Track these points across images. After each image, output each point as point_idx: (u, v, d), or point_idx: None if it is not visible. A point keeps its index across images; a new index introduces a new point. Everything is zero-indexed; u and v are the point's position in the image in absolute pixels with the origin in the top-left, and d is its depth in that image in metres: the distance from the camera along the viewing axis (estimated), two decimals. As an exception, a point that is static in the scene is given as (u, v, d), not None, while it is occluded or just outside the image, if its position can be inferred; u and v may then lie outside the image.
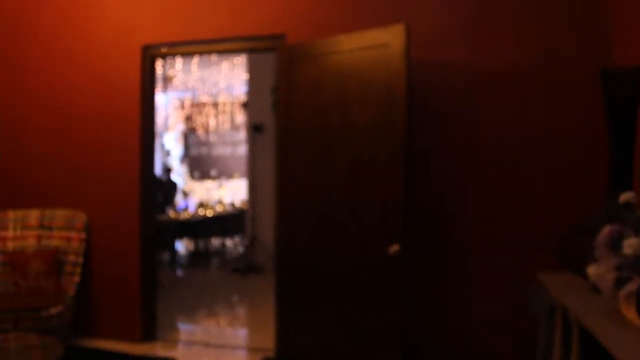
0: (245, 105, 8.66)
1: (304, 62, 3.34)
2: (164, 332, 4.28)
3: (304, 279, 3.34)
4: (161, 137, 10.47)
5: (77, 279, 3.88)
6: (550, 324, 2.50)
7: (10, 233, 4.03)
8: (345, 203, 3.13)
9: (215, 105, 11.15)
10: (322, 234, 3.24)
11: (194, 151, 11.51)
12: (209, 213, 7.95)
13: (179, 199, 8.61)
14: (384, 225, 2.93)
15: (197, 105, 11.27)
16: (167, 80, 9.49)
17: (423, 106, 3.33)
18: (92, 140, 4.12)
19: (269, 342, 3.85)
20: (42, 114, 4.24)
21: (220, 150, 11.31)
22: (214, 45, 3.99)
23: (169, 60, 7.87)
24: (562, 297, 2.26)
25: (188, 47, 4.09)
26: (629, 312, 1.80)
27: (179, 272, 7.35)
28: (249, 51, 5.52)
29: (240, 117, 10.65)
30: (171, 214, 7.43)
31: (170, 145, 11.18)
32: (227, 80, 9.77)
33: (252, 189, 7.48)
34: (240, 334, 4.77)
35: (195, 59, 8.09)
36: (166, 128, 11.09)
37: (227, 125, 11.11)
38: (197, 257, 8.17)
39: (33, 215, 4.08)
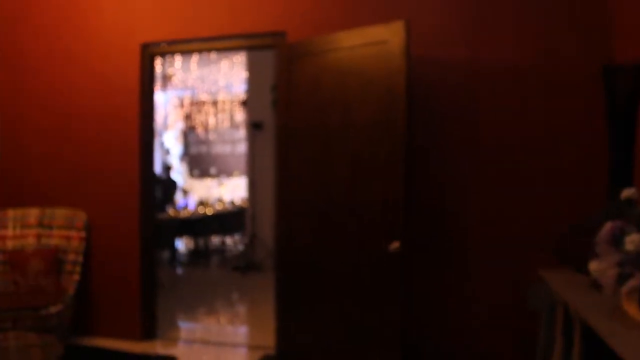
0: (244, 104, 8.64)
1: (303, 59, 3.33)
2: (164, 331, 4.28)
3: (304, 277, 3.34)
4: (161, 135, 10.46)
5: (76, 277, 3.88)
6: (550, 321, 2.50)
7: (9, 232, 4.03)
8: (345, 201, 3.13)
9: (214, 103, 11.13)
10: (322, 231, 3.24)
11: (193, 149, 11.50)
12: (209, 211, 7.95)
13: (178, 198, 8.60)
14: (384, 223, 2.92)
15: (197, 104, 11.25)
16: (166, 78, 9.47)
17: (423, 104, 3.32)
18: (92, 140, 4.12)
19: (269, 339, 3.84)
20: (42, 114, 4.24)
21: (219, 149, 11.29)
22: (213, 43, 3.98)
23: (168, 58, 7.86)
24: (563, 293, 2.26)
25: (187, 45, 4.08)
26: (631, 308, 1.80)
27: (179, 271, 7.35)
28: (249, 49, 5.51)
29: (240, 115, 10.64)
30: (171, 212, 7.43)
31: (169, 143, 11.17)
32: (227, 78, 9.75)
33: (252, 187, 7.47)
34: (241, 332, 4.76)
35: (195, 57, 8.07)
36: (166, 126, 11.08)
37: (226, 124, 11.09)
38: (197, 255, 8.17)
39: (33, 214, 4.07)
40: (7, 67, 4.33)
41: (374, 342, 3.00)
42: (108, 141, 4.08)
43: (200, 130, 11.32)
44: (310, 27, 3.55)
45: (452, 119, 3.36)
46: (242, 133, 10.33)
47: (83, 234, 4.00)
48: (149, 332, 4.10)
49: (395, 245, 2.84)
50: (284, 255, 3.51)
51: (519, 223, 3.25)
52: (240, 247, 8.37)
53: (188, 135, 11.49)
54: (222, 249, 8.76)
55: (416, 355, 3.31)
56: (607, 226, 2.06)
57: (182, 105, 11.35)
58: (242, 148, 10.39)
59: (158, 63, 6.49)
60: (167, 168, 8.76)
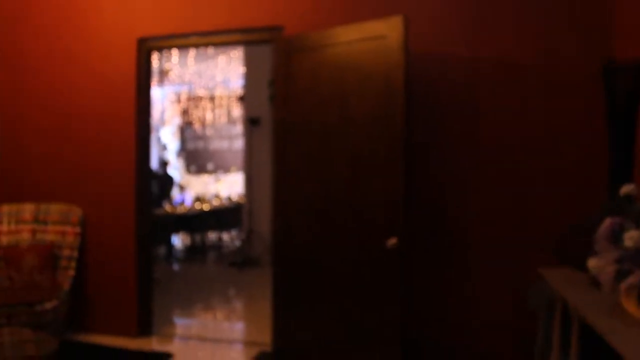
0: (242, 99, 8.61)
1: (301, 54, 3.30)
2: (160, 327, 4.27)
3: (303, 274, 3.32)
4: (157, 131, 10.42)
5: (72, 273, 3.86)
6: (549, 319, 2.49)
7: (4, 227, 4.00)
8: (344, 197, 3.11)
9: (211, 98, 11.09)
10: (320, 228, 3.22)
11: (190, 145, 11.46)
12: (206, 207, 7.93)
13: (175, 193, 8.58)
14: (384, 219, 2.90)
15: (194, 99, 11.21)
16: (163, 73, 9.43)
17: (423, 100, 3.31)
18: (91, 139, 4.11)
19: (265, 336, 3.83)
20: (42, 114, 4.22)
21: (216, 144, 11.26)
22: (210, 37, 3.94)
23: (165, 53, 7.82)
24: (562, 290, 2.25)
25: (184, 40, 4.04)
26: (630, 305, 1.79)
27: (176, 266, 7.33)
28: (246, 43, 5.46)
29: (237, 111, 10.60)
30: (168, 208, 7.41)
31: (166, 139, 11.13)
32: (224, 73, 9.72)
33: (249, 182, 7.46)
34: (237, 328, 4.75)
35: (192, 53, 8.04)
36: (162, 122, 11.04)
37: (223, 119, 11.05)
38: (194, 251, 8.16)
39: (27, 210, 4.05)
40: (7, 67, 4.32)
41: (373, 339, 2.98)
42: (106, 139, 4.06)
43: (197, 126, 11.28)
44: (308, 22, 3.52)
45: (451, 115, 3.34)
46: (239, 129, 10.30)
47: (78, 230, 3.97)
48: (144, 329, 4.08)
49: (392, 241, 2.82)
50: (282, 252, 3.49)
51: (519, 223, 3.24)
52: (237, 243, 8.35)
53: (185, 130, 11.45)
54: (218, 245, 8.74)
55: (416, 351, 3.30)
56: (606, 223, 2.05)
57: (179, 100, 11.31)
58: (239, 144, 10.36)
59: (155, 58, 6.45)
60: (163, 164, 8.73)
